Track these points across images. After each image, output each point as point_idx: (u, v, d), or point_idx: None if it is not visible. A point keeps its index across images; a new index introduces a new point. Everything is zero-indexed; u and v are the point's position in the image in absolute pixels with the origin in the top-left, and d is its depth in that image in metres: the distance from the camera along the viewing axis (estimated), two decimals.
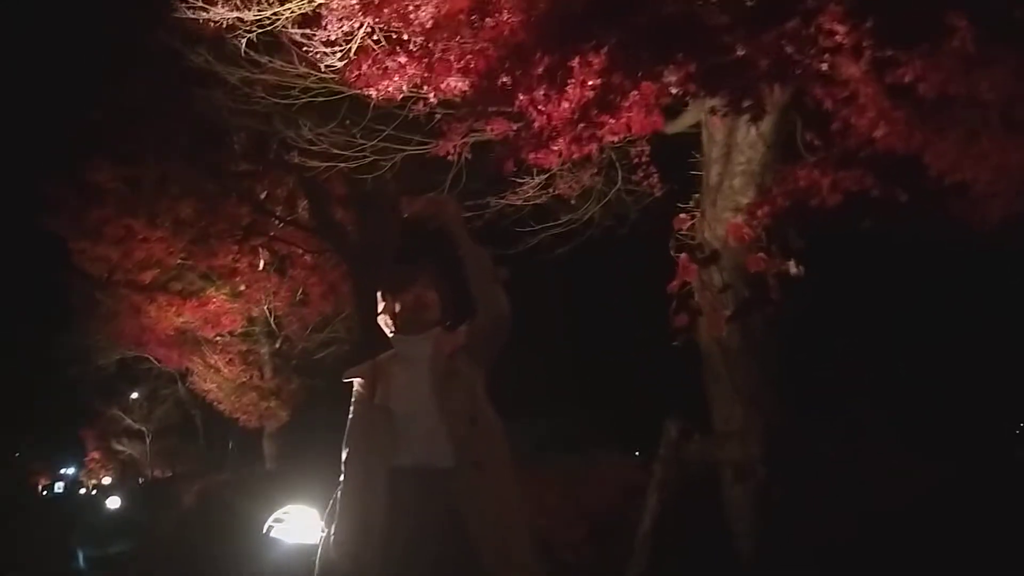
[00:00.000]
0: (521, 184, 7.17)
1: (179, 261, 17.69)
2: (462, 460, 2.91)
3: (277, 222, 17.19)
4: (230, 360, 19.11)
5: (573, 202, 7.37)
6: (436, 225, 3.16)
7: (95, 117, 15.06)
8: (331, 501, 3.05)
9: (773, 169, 5.48)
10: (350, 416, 3.10)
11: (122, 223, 16.88)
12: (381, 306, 3.17)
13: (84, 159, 16.62)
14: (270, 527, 5.20)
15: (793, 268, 5.48)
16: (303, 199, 17.17)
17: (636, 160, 7.02)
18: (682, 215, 5.82)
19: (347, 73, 5.54)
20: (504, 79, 5.03)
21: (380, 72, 5.41)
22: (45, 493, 58.10)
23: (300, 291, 18.38)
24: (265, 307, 18.64)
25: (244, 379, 19.15)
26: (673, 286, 5.73)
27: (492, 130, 6.55)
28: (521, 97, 5.28)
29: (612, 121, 5.31)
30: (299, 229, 17.15)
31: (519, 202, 7.62)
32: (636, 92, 4.79)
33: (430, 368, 3.04)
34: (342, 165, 7.07)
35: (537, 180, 7.21)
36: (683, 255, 5.68)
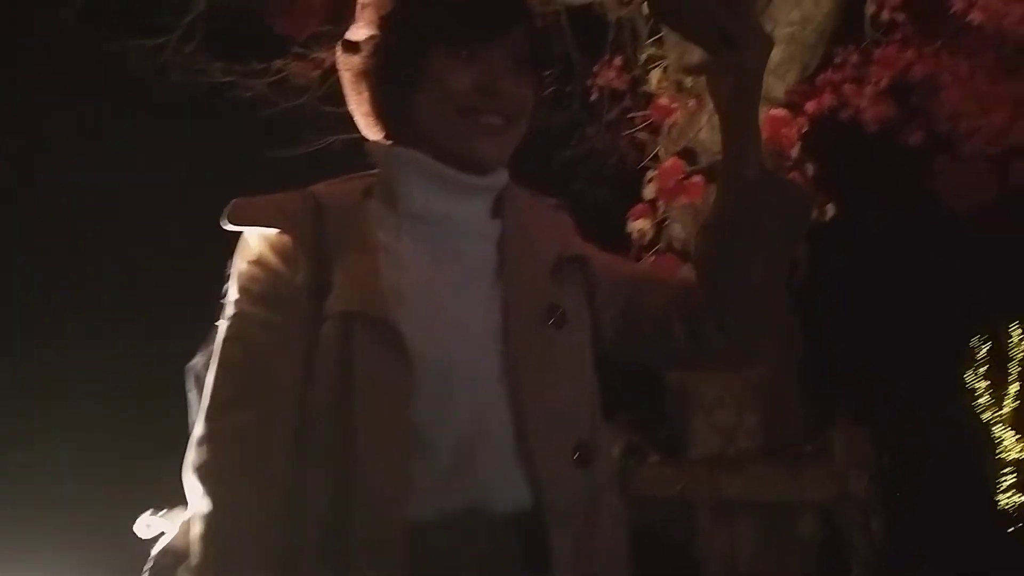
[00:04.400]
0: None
1: None
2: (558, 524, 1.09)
3: None
4: None
5: None
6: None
7: None
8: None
9: (822, 48, 3.58)
10: (223, 338, 1.13)
11: None
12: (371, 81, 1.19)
13: None
14: None
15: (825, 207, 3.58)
16: None
17: None
18: (662, 100, 3.65)
19: None
20: None
21: None
22: None
23: None
24: None
25: None
26: (638, 212, 3.54)
27: None
28: None
29: None
30: None
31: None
32: None
33: (497, 262, 1.17)
34: None
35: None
36: (670, 161, 3.50)
